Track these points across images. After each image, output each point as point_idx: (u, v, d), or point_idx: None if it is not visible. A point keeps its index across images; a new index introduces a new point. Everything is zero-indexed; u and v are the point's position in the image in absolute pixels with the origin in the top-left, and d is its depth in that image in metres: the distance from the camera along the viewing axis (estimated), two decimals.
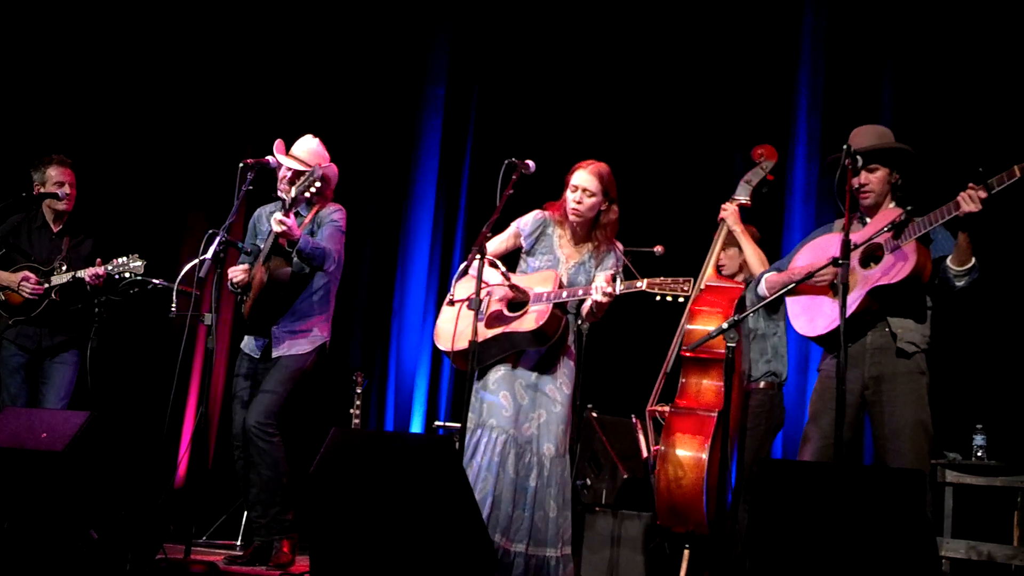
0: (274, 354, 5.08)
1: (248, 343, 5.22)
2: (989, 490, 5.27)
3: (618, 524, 5.72)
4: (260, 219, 5.30)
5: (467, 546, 3.44)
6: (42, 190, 5.66)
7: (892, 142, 4.24)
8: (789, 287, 4.21)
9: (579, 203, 4.46)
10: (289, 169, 5.09)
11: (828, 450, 3.96)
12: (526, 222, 4.62)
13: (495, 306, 4.41)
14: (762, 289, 4.45)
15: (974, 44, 6.11)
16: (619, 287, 4.20)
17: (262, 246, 5.10)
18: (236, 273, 5.07)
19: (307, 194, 4.93)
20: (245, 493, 5.10)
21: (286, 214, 4.85)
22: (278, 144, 5.16)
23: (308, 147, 5.19)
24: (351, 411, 6.63)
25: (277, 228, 4.80)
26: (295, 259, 5.00)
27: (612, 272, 4.48)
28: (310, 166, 5.06)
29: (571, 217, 4.49)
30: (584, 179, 4.47)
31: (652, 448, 4.96)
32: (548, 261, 4.54)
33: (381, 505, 3.45)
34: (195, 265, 4.70)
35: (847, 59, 6.61)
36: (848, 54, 6.61)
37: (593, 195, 4.47)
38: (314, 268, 5.07)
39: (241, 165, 4.92)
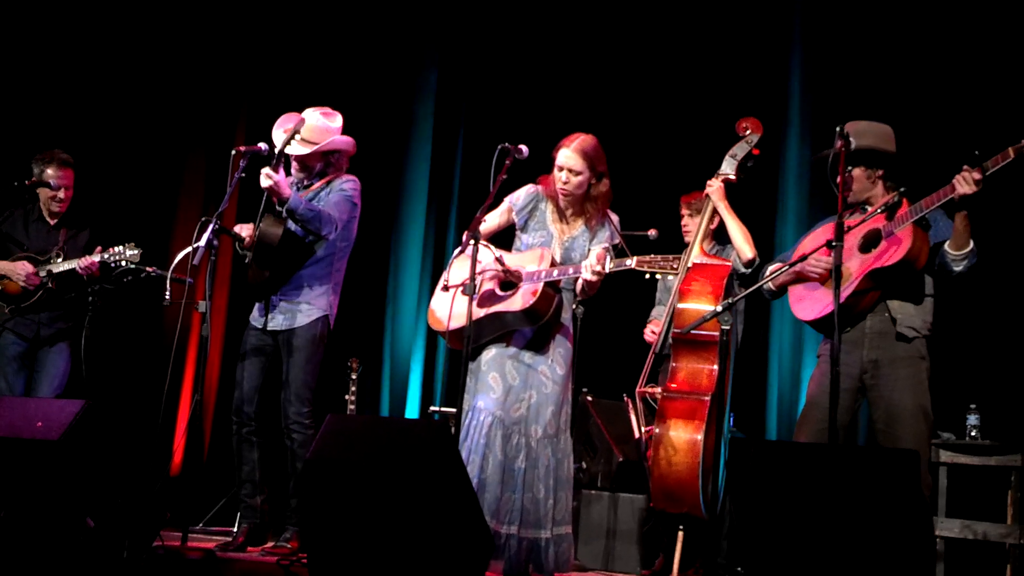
0: (270, 325, 5.00)
1: (253, 313, 5.13)
2: (983, 469, 5.29)
3: (614, 507, 5.75)
4: None
5: (464, 530, 3.45)
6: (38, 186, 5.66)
7: (869, 143, 4.19)
8: (784, 270, 4.23)
9: (566, 183, 4.43)
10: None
11: (824, 433, 3.96)
12: (518, 197, 4.58)
13: (487, 285, 4.39)
14: (764, 278, 4.44)
15: (970, 26, 6.10)
16: (608, 265, 4.18)
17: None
18: (241, 228, 5.02)
19: (287, 148, 4.76)
20: (239, 471, 5.08)
21: (274, 168, 4.72)
22: (284, 118, 5.05)
23: (308, 123, 4.99)
24: (347, 397, 6.63)
25: (264, 182, 4.69)
26: (290, 221, 4.90)
27: (606, 246, 4.46)
28: (313, 144, 4.98)
29: (560, 197, 4.48)
30: (568, 158, 4.41)
31: (644, 429, 4.97)
32: (541, 237, 4.50)
33: (377, 490, 3.45)
34: (189, 253, 4.69)
35: (840, 41, 6.60)
36: (841, 36, 6.60)
37: (579, 173, 4.42)
38: (311, 232, 4.93)
39: (233, 152, 4.89)
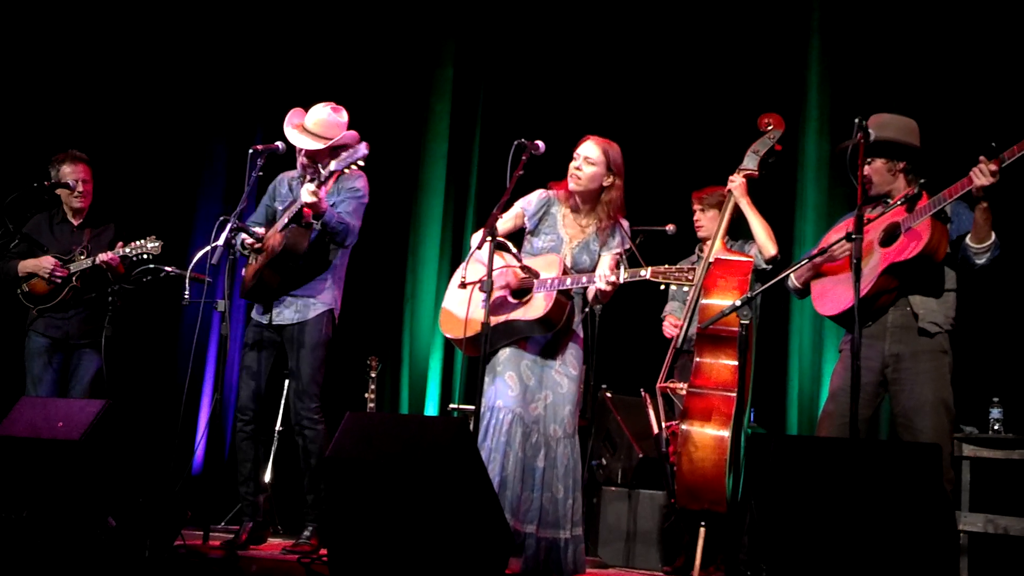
0: (275, 320, 5.01)
1: (256, 307, 5.14)
2: (1007, 463, 5.25)
3: (634, 504, 5.73)
4: (282, 183, 5.20)
5: (484, 527, 3.45)
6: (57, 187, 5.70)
7: (890, 135, 4.17)
8: (803, 263, 4.22)
9: (578, 169, 4.43)
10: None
11: (847, 427, 3.94)
12: (530, 201, 4.57)
13: (499, 292, 4.38)
14: (791, 277, 4.42)
15: (990, 16, 6.05)
16: (623, 275, 4.16)
17: (279, 208, 5.08)
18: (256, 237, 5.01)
19: (347, 170, 4.76)
20: (240, 468, 5.06)
21: (319, 187, 4.73)
22: (290, 114, 5.07)
23: (317, 117, 5.03)
24: (366, 395, 6.64)
25: (309, 199, 4.68)
26: (315, 232, 4.90)
27: (618, 252, 4.44)
28: (321, 139, 4.99)
29: (571, 184, 4.46)
30: (587, 148, 4.45)
31: (664, 425, 4.95)
32: (551, 241, 4.49)
33: (397, 487, 3.45)
34: (207, 252, 4.71)
35: (859, 33, 6.55)
36: (860, 27, 6.55)
37: (593, 164, 4.42)
38: (336, 243, 4.98)
39: (251, 151, 4.92)
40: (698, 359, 4.65)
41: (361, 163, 4.70)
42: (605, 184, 4.45)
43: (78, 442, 4.09)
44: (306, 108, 5.11)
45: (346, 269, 5.19)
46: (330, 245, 5.03)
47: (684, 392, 4.77)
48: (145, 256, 5.50)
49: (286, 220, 4.89)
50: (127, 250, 5.51)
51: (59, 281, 5.57)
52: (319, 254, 5.02)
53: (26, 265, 5.60)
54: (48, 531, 4.00)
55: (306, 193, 4.70)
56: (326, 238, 4.95)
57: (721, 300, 4.52)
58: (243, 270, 5.11)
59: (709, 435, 4.47)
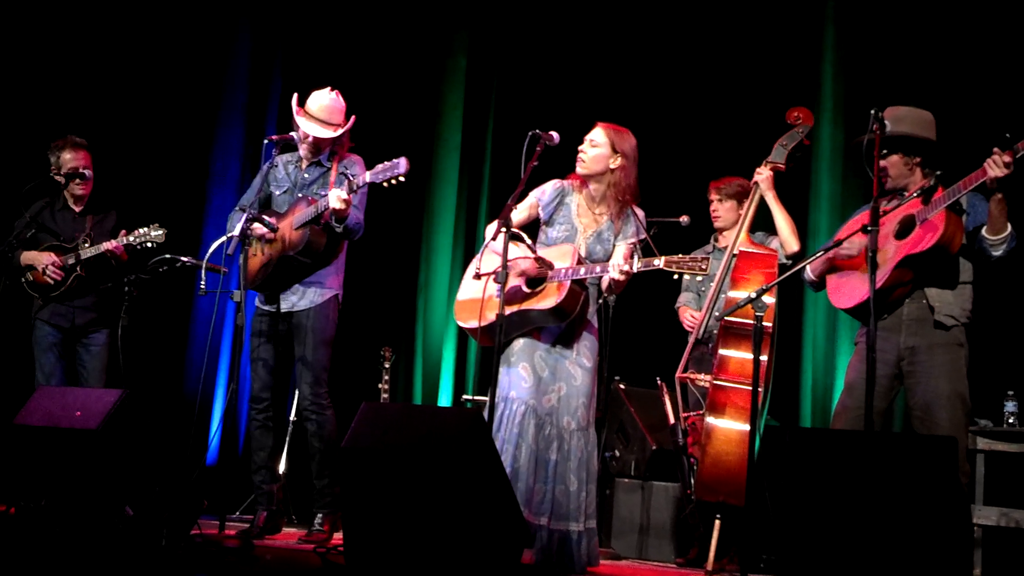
0: (283, 307, 5.02)
1: (259, 297, 5.16)
2: (1021, 457, 5.23)
3: (647, 495, 5.74)
4: (277, 167, 5.18)
5: (499, 518, 3.46)
6: (59, 173, 5.69)
7: (906, 130, 4.15)
8: (818, 255, 4.21)
9: (583, 152, 4.46)
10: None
11: (862, 420, 3.94)
12: (544, 191, 4.58)
13: (513, 282, 4.38)
14: (807, 269, 4.41)
15: (1009, 8, 6.01)
16: (636, 265, 4.16)
17: (276, 193, 5.10)
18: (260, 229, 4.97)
19: (386, 184, 4.72)
20: (254, 457, 5.07)
21: (350, 194, 4.74)
22: (294, 100, 5.07)
23: (322, 103, 5.04)
24: (380, 386, 6.65)
25: (339, 205, 4.69)
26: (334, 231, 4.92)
27: (632, 242, 4.44)
28: (331, 125, 5.01)
29: (578, 168, 4.48)
30: (594, 132, 4.49)
31: (682, 415, 4.94)
32: (566, 231, 4.49)
33: (412, 478, 3.47)
34: (223, 242, 4.72)
35: (874, 22, 6.52)
36: (875, 16, 6.52)
37: (597, 146, 4.44)
38: (348, 239, 5.02)
39: (265, 142, 4.93)
40: (722, 352, 4.64)
41: (402, 179, 4.67)
42: (612, 166, 4.45)
43: (96, 431, 4.12)
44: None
45: (345, 254, 5.21)
46: (341, 239, 5.05)
47: (704, 383, 4.76)
48: (150, 244, 5.50)
49: (306, 219, 4.87)
50: (131, 238, 5.51)
51: (56, 280, 5.56)
52: (332, 247, 5.04)
53: (27, 257, 5.60)
54: (66, 520, 4.03)
55: (335, 200, 4.70)
56: (340, 234, 4.97)
57: (747, 293, 4.52)
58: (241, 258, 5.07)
59: (735, 428, 4.47)
